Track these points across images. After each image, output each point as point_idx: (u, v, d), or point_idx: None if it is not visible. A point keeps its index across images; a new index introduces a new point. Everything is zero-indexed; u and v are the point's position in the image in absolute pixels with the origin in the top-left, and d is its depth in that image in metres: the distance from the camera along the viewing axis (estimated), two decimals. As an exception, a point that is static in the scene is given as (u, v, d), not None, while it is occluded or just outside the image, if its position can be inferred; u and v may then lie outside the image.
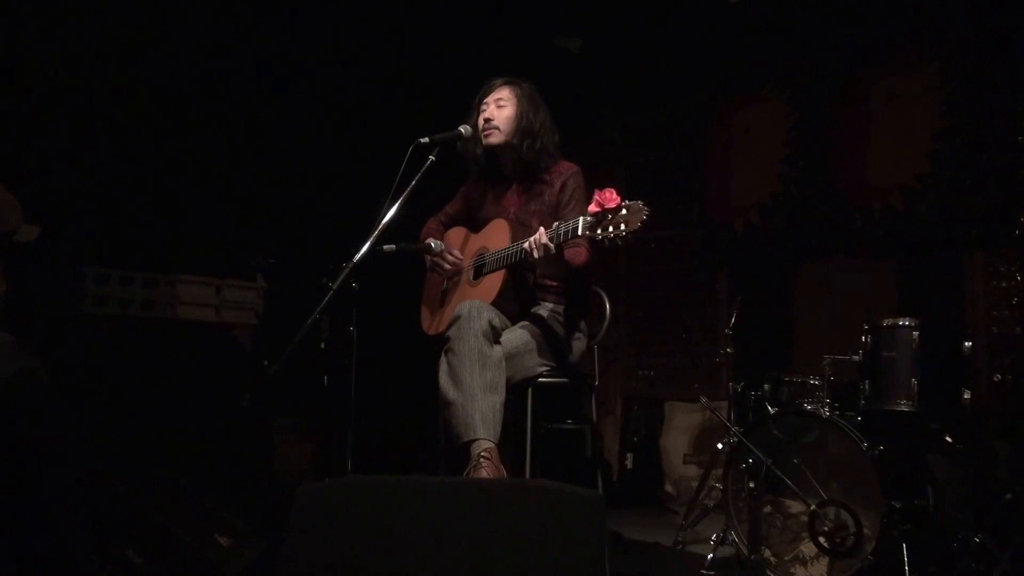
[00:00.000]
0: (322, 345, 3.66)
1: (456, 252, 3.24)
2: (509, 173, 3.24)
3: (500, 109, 3.15)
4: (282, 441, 4.34)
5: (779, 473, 3.13)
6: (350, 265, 2.67)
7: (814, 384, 3.37)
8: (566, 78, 4.93)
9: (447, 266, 3.22)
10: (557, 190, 3.12)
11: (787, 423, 3.25)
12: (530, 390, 2.97)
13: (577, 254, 2.96)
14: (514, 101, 3.15)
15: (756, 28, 4.95)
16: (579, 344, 3.13)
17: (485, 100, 3.18)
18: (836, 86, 4.66)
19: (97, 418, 3.05)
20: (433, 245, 3.21)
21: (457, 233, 3.36)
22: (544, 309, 3.08)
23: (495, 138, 3.14)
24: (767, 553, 3.21)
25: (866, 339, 3.20)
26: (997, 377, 3.96)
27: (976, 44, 4.07)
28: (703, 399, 3.76)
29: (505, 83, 3.19)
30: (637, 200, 2.49)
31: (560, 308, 3.11)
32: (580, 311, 3.16)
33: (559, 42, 5.34)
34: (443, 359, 2.78)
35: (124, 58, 4.25)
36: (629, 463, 5.38)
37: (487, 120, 3.13)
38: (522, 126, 3.13)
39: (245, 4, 4.51)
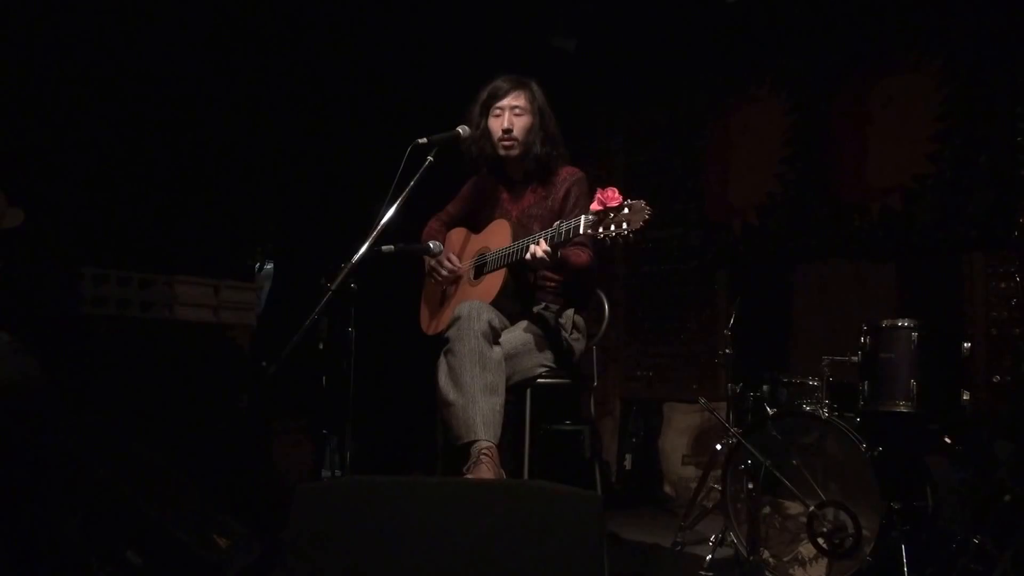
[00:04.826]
0: (321, 346, 3.66)
1: (454, 258, 3.22)
2: (515, 176, 3.23)
3: (518, 118, 3.09)
4: (281, 442, 4.34)
5: (778, 474, 3.13)
6: (349, 266, 2.67)
7: (813, 385, 3.37)
8: (562, 78, 4.93)
9: (444, 273, 3.21)
10: (561, 196, 3.11)
11: (786, 424, 3.25)
12: (529, 391, 2.96)
13: (577, 255, 2.96)
14: (530, 109, 3.11)
15: (754, 28, 4.95)
16: (578, 345, 3.13)
17: (498, 105, 3.11)
18: (834, 86, 4.66)
19: (95, 419, 3.04)
20: (432, 246, 3.20)
21: (458, 234, 3.35)
22: (544, 309, 3.07)
23: (516, 150, 3.11)
24: (766, 554, 3.21)
25: (865, 340, 3.20)
26: (996, 378, 3.96)
27: (975, 45, 4.07)
28: (702, 400, 3.76)
29: (517, 86, 3.12)
30: (639, 199, 2.49)
31: (560, 308, 3.11)
32: (580, 311, 3.16)
33: (555, 42, 5.34)
34: (443, 360, 2.78)
35: (122, 57, 4.24)
36: (628, 464, 5.38)
37: (506, 131, 3.08)
38: (541, 137, 3.11)
39: (244, 2, 4.51)
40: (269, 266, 5.21)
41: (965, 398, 3.13)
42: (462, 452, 2.62)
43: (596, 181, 3.00)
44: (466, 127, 3.09)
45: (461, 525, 1.92)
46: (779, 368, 3.85)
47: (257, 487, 3.83)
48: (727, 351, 3.79)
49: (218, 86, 4.62)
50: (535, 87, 3.16)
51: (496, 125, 3.11)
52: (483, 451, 2.55)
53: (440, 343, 2.83)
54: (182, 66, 4.47)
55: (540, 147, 3.10)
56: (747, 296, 3.96)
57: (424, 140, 2.85)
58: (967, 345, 3.17)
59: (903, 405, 3.07)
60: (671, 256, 5.48)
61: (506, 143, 3.10)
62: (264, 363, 3.78)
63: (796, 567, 3.12)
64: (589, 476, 3.46)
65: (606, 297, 3.48)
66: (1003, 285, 3.99)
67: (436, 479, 2.69)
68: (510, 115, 3.10)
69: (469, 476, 2.52)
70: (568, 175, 3.15)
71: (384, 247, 2.88)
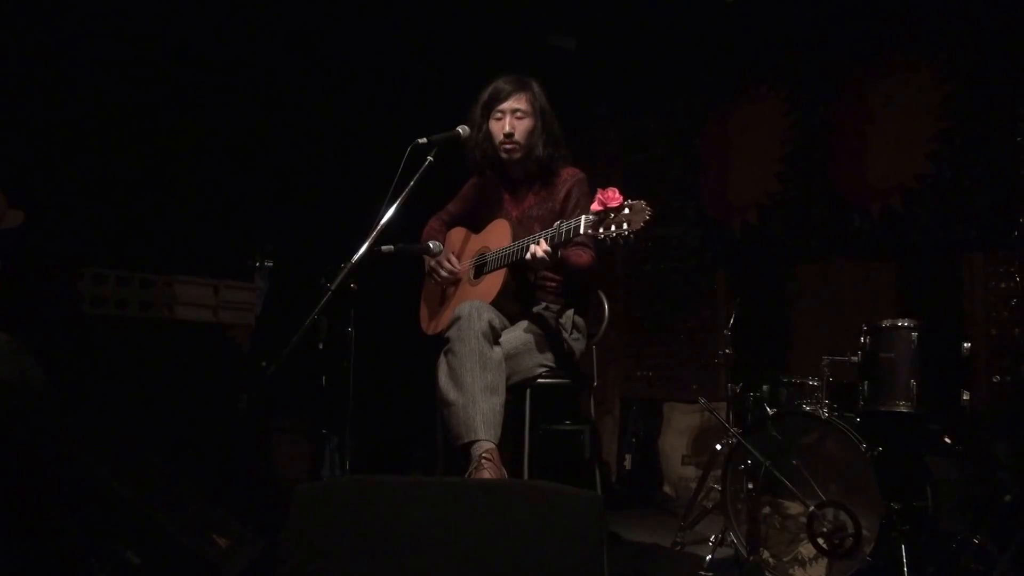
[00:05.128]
0: (320, 346, 3.66)
1: (454, 259, 3.22)
2: (516, 176, 3.23)
3: (519, 121, 3.08)
4: (280, 442, 4.34)
5: (778, 474, 3.13)
6: (348, 266, 2.67)
7: (813, 385, 3.37)
8: (562, 77, 4.93)
9: (444, 273, 3.20)
10: (562, 197, 3.11)
11: (786, 424, 3.25)
12: (529, 391, 2.96)
13: (579, 255, 2.96)
14: (532, 111, 3.10)
15: (753, 27, 4.94)
16: (578, 345, 3.13)
17: (500, 107, 3.10)
18: (834, 86, 4.66)
19: (94, 419, 3.04)
20: (432, 246, 3.20)
21: (457, 233, 3.35)
22: (544, 309, 3.07)
23: (518, 154, 3.11)
24: (766, 554, 3.21)
25: (865, 340, 3.20)
26: (996, 378, 3.96)
27: (975, 44, 4.07)
28: (702, 400, 3.75)
29: (518, 89, 3.11)
30: (640, 199, 2.49)
31: (560, 308, 3.11)
32: (580, 311, 3.16)
33: (554, 41, 5.33)
34: (443, 360, 2.78)
35: (121, 57, 4.24)
36: (627, 464, 5.38)
37: (508, 135, 3.07)
38: (543, 139, 3.10)
39: (244, 2, 4.51)
40: (269, 263, 5.21)
41: (965, 398, 3.13)
42: (462, 452, 2.62)
43: (595, 181, 3.00)
44: (466, 127, 3.08)
45: (461, 525, 1.92)
46: (779, 368, 3.86)
47: (257, 487, 3.83)
48: (727, 351, 3.78)
49: (218, 86, 4.62)
50: (536, 88, 3.15)
51: (497, 129, 3.10)
52: (484, 454, 2.55)
53: (440, 343, 2.83)
54: (182, 66, 4.47)
55: (542, 149, 3.10)
56: (747, 296, 3.96)
57: (424, 140, 2.85)
58: (967, 345, 3.16)
59: (903, 405, 3.07)
60: (671, 256, 5.48)
61: (508, 146, 3.10)
62: (264, 363, 3.78)
63: (796, 567, 3.12)
64: (589, 476, 3.46)
65: (605, 296, 3.48)
66: (1003, 285, 3.99)
67: (436, 479, 2.69)
68: (511, 119, 3.09)
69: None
70: (569, 176, 3.14)
71: (384, 247, 2.88)
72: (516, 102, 3.10)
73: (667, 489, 5.05)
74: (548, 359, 2.98)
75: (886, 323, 3.19)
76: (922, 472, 3.16)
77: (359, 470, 3.72)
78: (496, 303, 2.89)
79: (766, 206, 4.93)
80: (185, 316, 4.14)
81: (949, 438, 3.28)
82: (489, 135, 3.13)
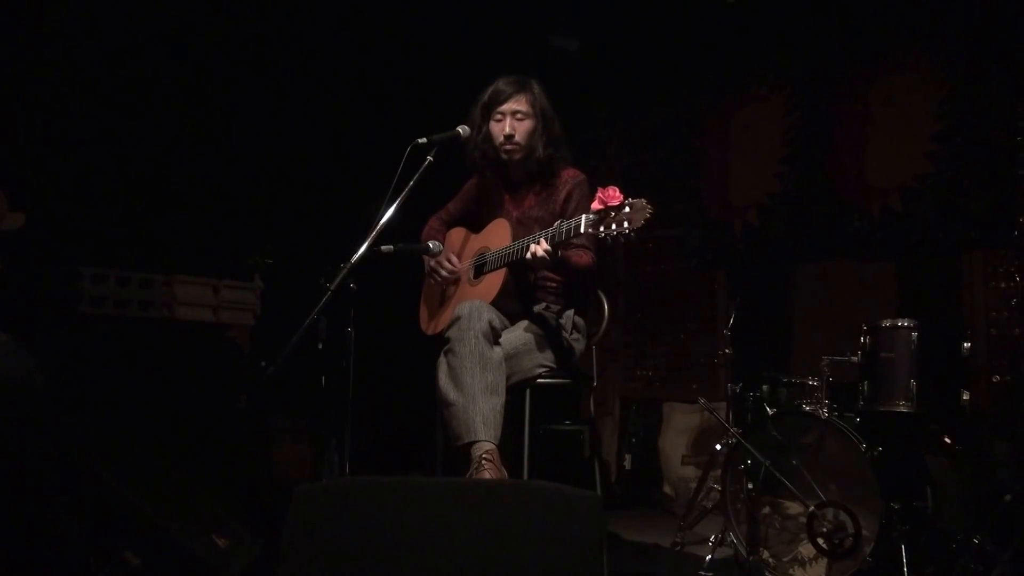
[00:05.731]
0: (320, 346, 3.65)
1: (454, 259, 3.21)
2: (517, 177, 3.23)
3: (520, 122, 3.08)
4: (280, 442, 4.34)
5: (778, 474, 3.13)
6: (348, 266, 2.67)
7: (813, 385, 3.37)
8: (563, 78, 4.93)
9: (444, 273, 3.20)
10: (562, 199, 3.11)
11: (786, 424, 3.25)
12: (528, 391, 2.96)
13: (579, 256, 2.96)
14: (532, 112, 3.09)
15: (754, 27, 4.94)
16: (578, 345, 3.13)
17: (500, 109, 3.10)
18: (835, 86, 4.66)
19: (94, 419, 3.04)
20: (432, 246, 3.19)
21: (457, 233, 3.35)
22: (544, 309, 3.07)
23: (518, 154, 3.10)
24: (765, 554, 3.21)
25: (865, 340, 3.20)
26: (996, 378, 3.96)
27: (975, 44, 4.07)
28: (702, 400, 3.76)
29: (518, 90, 3.10)
30: (640, 198, 2.49)
31: (560, 308, 3.10)
32: (580, 311, 3.16)
33: (556, 42, 5.33)
34: (443, 360, 2.77)
35: (121, 57, 4.24)
36: (627, 464, 5.38)
37: (508, 136, 3.07)
38: (544, 140, 3.10)
39: (243, 2, 4.51)
40: (269, 262, 5.21)
41: (965, 398, 3.12)
42: (462, 453, 2.62)
43: (595, 181, 2.99)
44: (466, 127, 3.08)
45: (460, 525, 1.92)
46: (779, 368, 3.85)
47: (257, 487, 3.83)
48: (727, 351, 3.78)
49: (218, 86, 4.62)
50: (537, 88, 3.14)
51: (498, 130, 3.10)
52: (484, 454, 2.55)
53: (440, 343, 2.83)
54: (182, 67, 4.47)
55: (543, 150, 3.10)
56: (747, 296, 3.95)
57: (424, 140, 2.84)
58: (967, 345, 3.16)
59: (903, 405, 3.07)
60: (671, 256, 5.48)
61: (508, 148, 3.09)
62: (263, 363, 3.78)
63: (796, 567, 3.12)
64: (589, 476, 3.46)
65: (605, 296, 3.48)
66: (1003, 285, 3.99)
67: (436, 479, 2.69)
68: (512, 120, 3.08)
69: (472, 479, 2.52)
70: (570, 177, 3.14)
71: (383, 247, 2.87)
72: (516, 103, 3.09)
73: (667, 489, 5.05)
74: (548, 359, 2.98)
75: (886, 323, 3.19)
76: (922, 472, 3.16)
77: (359, 471, 3.73)
78: (496, 303, 2.89)
79: (766, 206, 4.93)
80: (185, 316, 4.14)
81: (949, 438, 3.28)
82: (489, 136, 3.13)
